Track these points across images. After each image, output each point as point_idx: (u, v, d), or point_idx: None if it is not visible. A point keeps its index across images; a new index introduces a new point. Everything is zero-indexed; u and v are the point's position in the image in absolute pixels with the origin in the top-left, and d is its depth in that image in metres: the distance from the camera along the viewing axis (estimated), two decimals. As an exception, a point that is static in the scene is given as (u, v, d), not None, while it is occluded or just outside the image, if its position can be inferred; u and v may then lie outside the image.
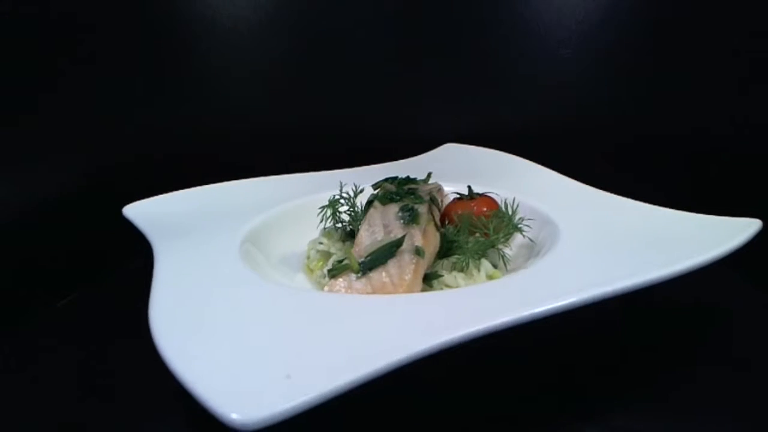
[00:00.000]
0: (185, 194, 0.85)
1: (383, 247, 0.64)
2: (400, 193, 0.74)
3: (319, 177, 0.94)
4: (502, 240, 0.71)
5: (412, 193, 0.75)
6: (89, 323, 0.71)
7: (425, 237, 0.66)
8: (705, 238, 0.62)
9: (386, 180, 0.82)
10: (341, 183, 0.78)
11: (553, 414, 0.54)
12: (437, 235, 0.70)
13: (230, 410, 0.38)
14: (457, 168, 0.98)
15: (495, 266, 0.71)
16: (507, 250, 0.73)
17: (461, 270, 0.68)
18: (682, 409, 0.54)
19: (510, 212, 0.73)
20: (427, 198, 0.73)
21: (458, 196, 0.81)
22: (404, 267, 0.62)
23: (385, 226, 0.68)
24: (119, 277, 0.82)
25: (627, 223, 0.70)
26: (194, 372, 0.42)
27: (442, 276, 0.67)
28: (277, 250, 0.77)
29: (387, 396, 0.52)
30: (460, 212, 0.76)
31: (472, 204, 0.78)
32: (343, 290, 0.60)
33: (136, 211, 0.77)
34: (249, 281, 0.60)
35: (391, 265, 0.63)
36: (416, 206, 0.70)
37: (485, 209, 0.76)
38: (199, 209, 0.80)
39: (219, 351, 0.46)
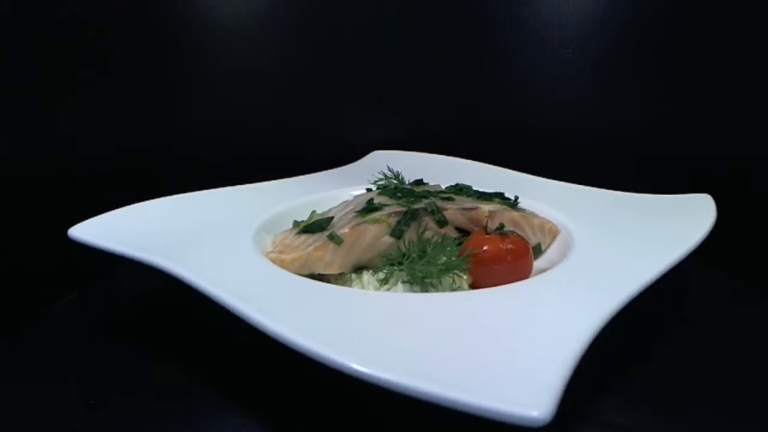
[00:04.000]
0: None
1: (321, 220, 0.72)
2: (411, 192, 0.74)
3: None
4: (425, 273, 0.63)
5: (422, 197, 0.73)
6: (89, 323, 0.71)
7: (354, 231, 0.68)
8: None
9: (455, 185, 0.81)
10: (389, 166, 0.82)
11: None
12: (384, 239, 0.68)
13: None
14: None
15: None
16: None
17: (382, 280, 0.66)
18: (678, 407, 0.53)
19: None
20: (419, 207, 0.70)
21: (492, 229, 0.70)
22: (313, 242, 0.69)
23: (353, 210, 0.73)
24: (119, 277, 0.81)
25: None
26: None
27: (361, 274, 0.68)
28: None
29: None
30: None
31: (481, 240, 0.67)
32: (277, 241, 0.74)
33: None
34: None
35: (315, 236, 0.70)
36: (378, 204, 0.70)
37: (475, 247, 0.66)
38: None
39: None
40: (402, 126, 1.22)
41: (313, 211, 0.77)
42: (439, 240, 0.69)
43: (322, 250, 0.68)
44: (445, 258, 0.64)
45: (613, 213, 0.79)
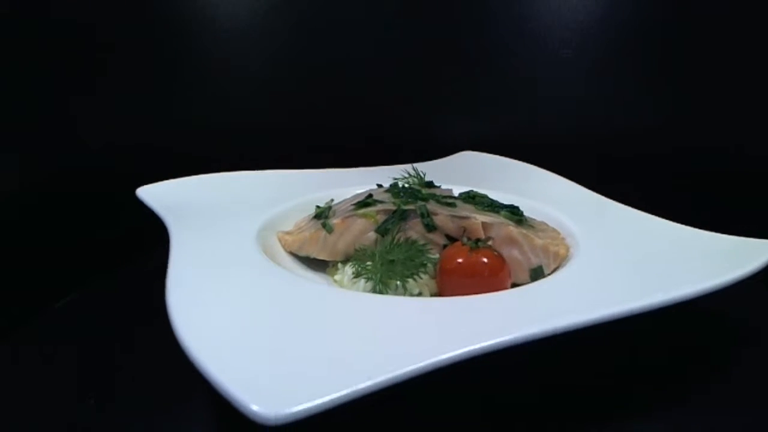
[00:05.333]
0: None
1: (325, 208, 0.77)
2: (414, 194, 0.73)
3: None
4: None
5: (423, 199, 0.72)
6: (89, 323, 0.70)
7: (343, 223, 0.72)
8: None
9: (468, 192, 0.78)
10: (414, 166, 0.81)
11: (554, 414, 0.54)
12: (369, 235, 0.71)
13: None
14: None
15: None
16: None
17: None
18: (683, 409, 0.55)
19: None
20: (409, 208, 0.70)
21: (467, 240, 0.66)
22: (311, 227, 0.74)
23: (352, 203, 0.76)
24: (119, 277, 0.82)
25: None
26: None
27: (345, 264, 0.72)
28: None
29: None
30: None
31: (454, 251, 0.64)
32: (295, 222, 0.81)
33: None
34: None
35: (318, 223, 0.75)
36: (373, 200, 0.72)
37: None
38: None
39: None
40: (498, 128, 1.20)
41: (331, 199, 0.81)
42: (422, 244, 0.68)
43: (316, 236, 0.73)
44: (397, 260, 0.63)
45: (654, 247, 0.68)
